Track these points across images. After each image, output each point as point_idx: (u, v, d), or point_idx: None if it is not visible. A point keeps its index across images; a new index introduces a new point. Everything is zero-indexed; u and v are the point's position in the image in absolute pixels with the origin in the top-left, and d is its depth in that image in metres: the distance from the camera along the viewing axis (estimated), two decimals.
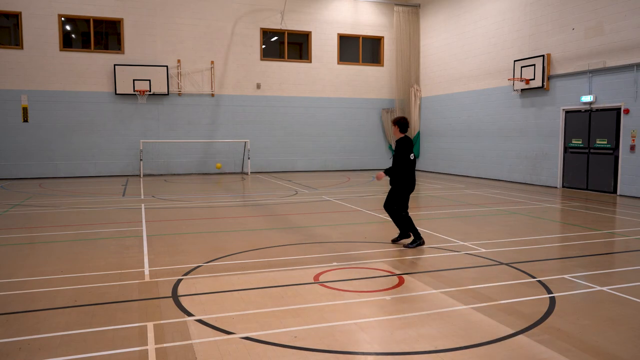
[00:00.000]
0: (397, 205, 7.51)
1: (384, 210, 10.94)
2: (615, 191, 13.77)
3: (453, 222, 9.65)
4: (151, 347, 3.96)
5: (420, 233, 7.87)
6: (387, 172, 7.48)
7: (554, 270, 6.19)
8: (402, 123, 7.45)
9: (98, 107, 19.16)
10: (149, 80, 19.27)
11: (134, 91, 19.14)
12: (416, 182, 7.63)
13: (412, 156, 7.32)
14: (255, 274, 5.99)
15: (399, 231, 7.82)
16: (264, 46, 21.30)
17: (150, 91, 19.28)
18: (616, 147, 13.70)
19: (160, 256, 6.90)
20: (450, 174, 20.41)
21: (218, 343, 4.03)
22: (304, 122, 21.87)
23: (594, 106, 14.28)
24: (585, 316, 4.64)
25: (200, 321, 4.48)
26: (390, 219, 8.10)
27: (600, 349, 3.96)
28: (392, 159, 7.53)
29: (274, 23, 21.09)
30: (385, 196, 8.05)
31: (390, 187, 7.66)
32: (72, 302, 5.03)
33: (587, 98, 14.36)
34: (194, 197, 13.33)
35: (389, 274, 6.01)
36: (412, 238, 7.59)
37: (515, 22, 17.02)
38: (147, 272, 6.10)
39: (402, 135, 7.48)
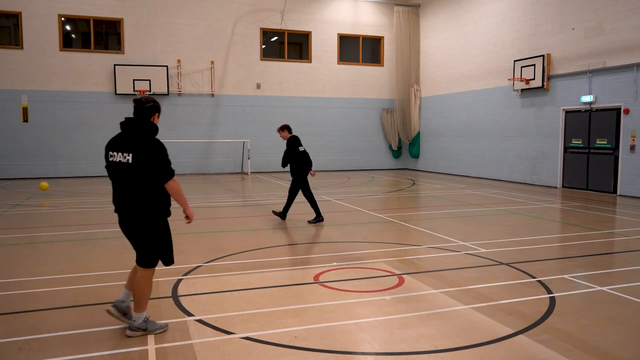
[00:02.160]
0: (302, 189, 9.43)
1: (384, 211, 10.95)
2: (615, 191, 13.77)
3: (453, 222, 9.65)
4: (151, 347, 3.96)
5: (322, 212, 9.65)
6: (283, 164, 9.64)
7: (554, 270, 6.19)
8: (288, 127, 9.67)
9: (98, 107, 19.16)
10: (149, 80, 19.27)
11: (134, 91, 19.13)
12: (312, 166, 9.52)
13: (301, 148, 9.45)
14: (255, 274, 5.99)
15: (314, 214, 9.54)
16: (264, 46, 21.30)
17: (150, 91, 19.27)
18: (616, 147, 13.70)
19: None
20: (450, 174, 20.41)
21: (218, 343, 4.03)
22: (304, 122, 21.85)
23: (594, 106, 14.28)
24: (585, 316, 4.64)
25: (200, 321, 4.48)
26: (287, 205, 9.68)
27: (600, 349, 3.96)
28: (284, 154, 9.60)
29: (274, 23, 21.09)
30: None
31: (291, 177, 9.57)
32: (72, 302, 5.03)
33: (587, 98, 14.36)
34: (194, 197, 13.32)
35: (389, 274, 6.01)
36: (315, 216, 9.46)
37: (515, 22, 17.01)
38: None
39: (290, 135, 9.62)
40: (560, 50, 15.24)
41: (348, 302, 5.01)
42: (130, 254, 7.01)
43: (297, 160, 9.46)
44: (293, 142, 9.53)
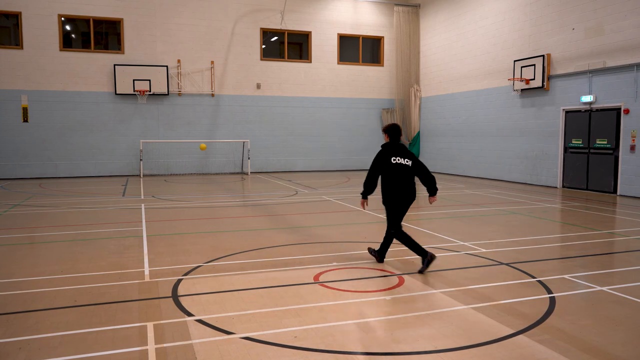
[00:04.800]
0: None
1: (384, 210, 10.94)
2: (615, 191, 13.77)
3: (453, 222, 9.65)
4: (151, 347, 3.96)
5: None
6: None
7: (554, 270, 6.19)
8: None
9: (98, 107, 19.16)
10: (149, 80, 19.27)
11: (134, 91, 19.14)
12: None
13: None
14: (255, 274, 5.99)
15: None
16: (264, 46, 21.30)
17: (150, 91, 19.28)
18: (616, 147, 13.70)
19: (160, 256, 6.90)
20: (450, 174, 20.41)
21: (218, 343, 4.03)
22: (304, 122, 21.87)
23: (594, 106, 14.28)
24: (585, 316, 4.64)
25: (200, 321, 4.48)
26: None
27: (600, 349, 3.96)
28: None
29: (274, 23, 21.09)
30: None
31: None
32: (72, 302, 5.03)
33: (587, 98, 14.36)
34: (194, 197, 13.33)
35: (389, 274, 6.01)
36: None
37: (515, 22, 17.02)
38: (147, 272, 6.10)
39: None
40: (560, 50, 15.24)
41: (348, 302, 5.01)
42: (130, 254, 7.04)
43: None
44: None
